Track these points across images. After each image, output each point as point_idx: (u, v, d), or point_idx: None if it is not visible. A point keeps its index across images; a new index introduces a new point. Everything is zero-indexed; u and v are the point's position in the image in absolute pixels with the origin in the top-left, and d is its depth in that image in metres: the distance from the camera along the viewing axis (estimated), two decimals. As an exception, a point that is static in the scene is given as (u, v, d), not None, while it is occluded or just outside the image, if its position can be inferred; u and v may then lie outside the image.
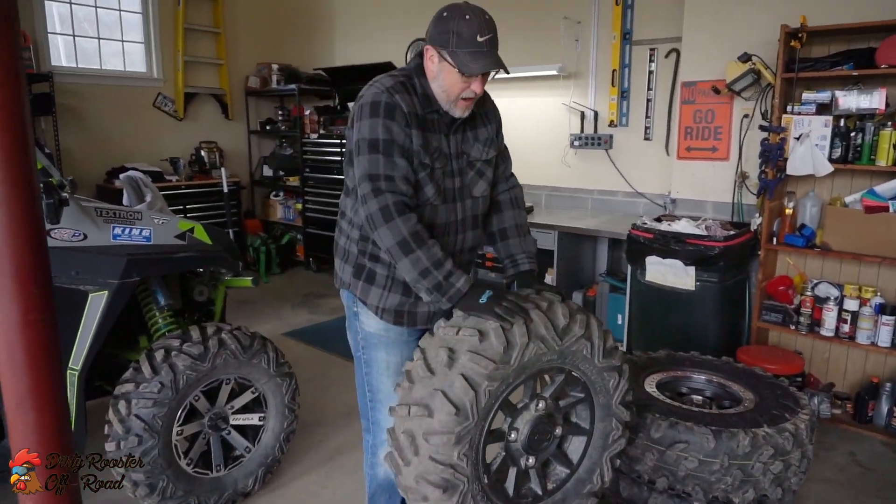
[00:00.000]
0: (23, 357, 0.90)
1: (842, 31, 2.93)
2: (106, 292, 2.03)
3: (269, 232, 6.38)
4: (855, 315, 3.00)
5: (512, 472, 1.66)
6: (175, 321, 2.52)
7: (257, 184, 6.65)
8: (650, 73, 4.17)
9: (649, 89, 4.19)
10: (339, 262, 1.81)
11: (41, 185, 1.90)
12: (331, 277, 5.83)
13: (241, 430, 2.43)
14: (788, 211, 3.18)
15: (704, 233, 3.21)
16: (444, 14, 1.59)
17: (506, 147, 1.94)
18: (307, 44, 6.54)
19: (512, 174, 1.95)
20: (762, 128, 3.10)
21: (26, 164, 0.92)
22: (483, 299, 1.51)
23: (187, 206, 5.57)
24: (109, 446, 2.13)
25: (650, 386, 2.31)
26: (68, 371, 2.03)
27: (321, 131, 5.86)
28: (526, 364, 1.53)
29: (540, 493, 1.70)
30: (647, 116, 4.22)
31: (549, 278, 4.09)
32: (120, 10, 5.57)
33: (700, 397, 2.38)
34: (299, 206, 6.18)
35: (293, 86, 5.93)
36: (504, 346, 1.48)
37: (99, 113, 5.38)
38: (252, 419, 2.44)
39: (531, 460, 1.66)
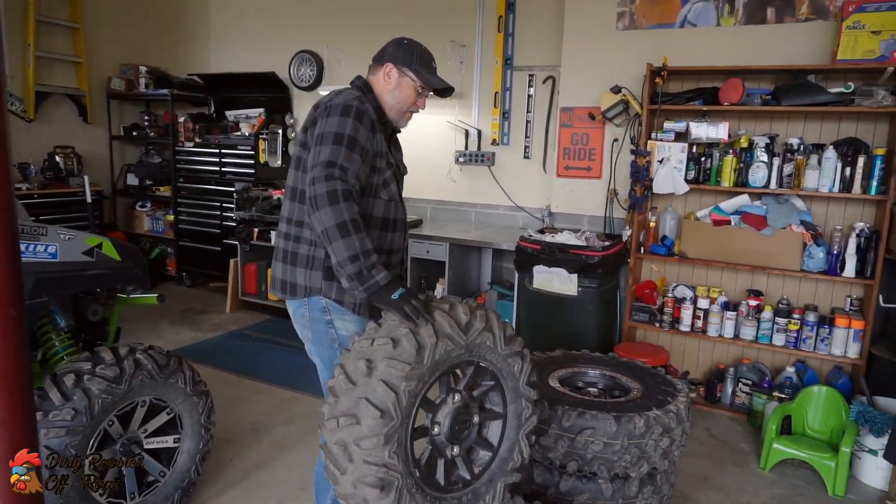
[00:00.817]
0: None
1: (693, 72, 3.47)
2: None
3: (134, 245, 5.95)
4: (706, 312, 3.53)
5: (440, 464, 1.79)
6: (73, 343, 2.36)
7: (120, 193, 6.18)
8: (529, 96, 4.56)
9: (528, 112, 4.58)
10: (301, 272, 1.84)
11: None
12: (208, 293, 5.62)
13: (154, 453, 2.33)
14: (652, 224, 3.67)
15: (585, 244, 3.59)
16: (406, 42, 1.94)
17: None
18: (180, 47, 6.23)
19: None
20: (632, 151, 3.56)
21: (6, 190, 0.90)
22: (395, 296, 1.61)
23: (41, 217, 5.04)
24: (13, 481, 1.96)
25: (554, 382, 2.58)
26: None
27: (196, 139, 5.61)
28: (438, 361, 1.67)
29: (468, 477, 1.85)
30: (526, 136, 4.60)
31: (441, 288, 4.30)
32: (-44, -3, 4.95)
33: (595, 389, 2.69)
34: (170, 217, 5.85)
35: (165, 91, 5.63)
36: (416, 349, 1.61)
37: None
38: (167, 441, 2.36)
39: (455, 450, 1.80)
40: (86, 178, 5.07)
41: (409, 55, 1.90)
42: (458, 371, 1.82)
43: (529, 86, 4.54)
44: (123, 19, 6.04)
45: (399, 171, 1.99)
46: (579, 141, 4.00)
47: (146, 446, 2.29)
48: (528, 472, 2.40)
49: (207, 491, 2.58)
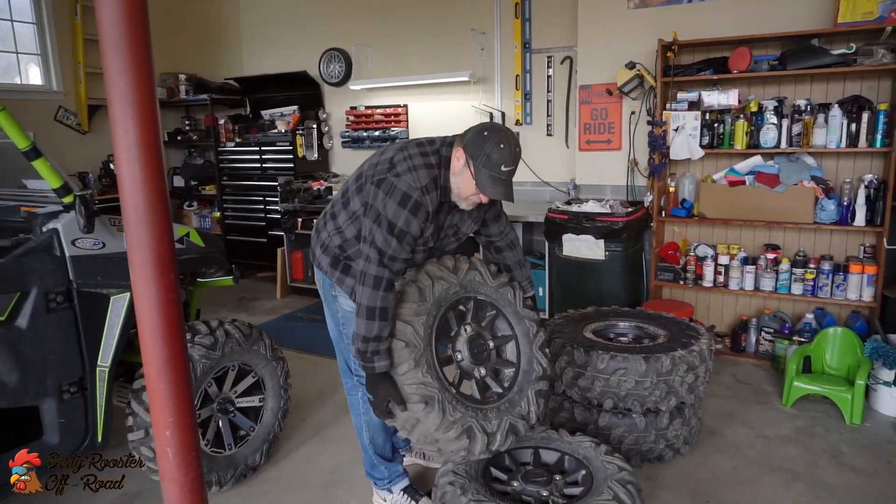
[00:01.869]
0: (163, 331, 1.11)
1: (703, 44, 3.69)
2: (127, 294, 2.25)
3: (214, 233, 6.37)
4: (727, 268, 3.78)
5: (472, 384, 2.14)
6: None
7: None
8: (548, 77, 4.81)
9: (548, 91, 4.83)
10: (319, 249, 2.15)
11: (77, 198, 2.09)
12: (257, 283, 6.02)
13: (244, 411, 2.70)
14: (672, 189, 3.92)
15: (609, 211, 3.86)
16: (486, 133, 1.87)
17: (502, 208, 2.31)
18: (214, 53, 6.59)
19: (508, 224, 2.36)
20: (649, 122, 3.81)
21: (160, 176, 1.14)
22: (375, 389, 1.90)
23: (103, 221, 5.49)
24: (135, 435, 2.34)
25: (588, 333, 2.88)
26: (97, 369, 2.23)
27: (237, 139, 5.99)
28: (440, 298, 2.06)
29: (500, 390, 2.18)
30: (548, 115, 4.86)
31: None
32: (12, 21, 5.37)
33: (626, 338, 2.99)
34: (217, 214, 6.25)
35: (204, 95, 6.00)
36: (418, 292, 2.01)
37: None
38: (253, 401, 2.72)
39: (482, 370, 2.14)
40: (141, 181, 5.50)
41: (480, 150, 1.84)
42: (462, 307, 2.18)
43: (548, 67, 4.79)
44: (161, 32, 6.41)
45: (438, 235, 2.08)
46: (599, 116, 4.25)
47: (237, 405, 2.66)
48: (568, 412, 2.71)
49: (287, 445, 2.95)
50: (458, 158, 1.91)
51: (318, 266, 2.17)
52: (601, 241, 3.81)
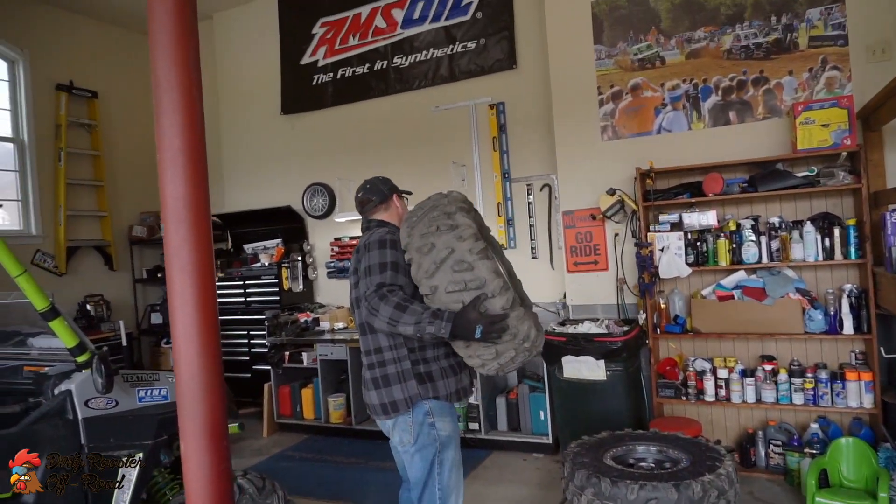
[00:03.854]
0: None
1: (676, 171, 3.98)
2: (140, 454, 2.12)
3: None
4: (727, 381, 3.83)
5: None
6: (174, 478, 2.56)
7: (144, 332, 6.43)
8: (529, 203, 5.05)
9: (530, 217, 5.05)
10: (398, 388, 2.22)
11: (95, 357, 2.02)
12: (240, 419, 5.73)
13: (254, 575, 2.48)
14: (663, 306, 4.04)
15: (606, 331, 3.92)
16: (384, 178, 2.56)
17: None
18: (194, 191, 6.71)
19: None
20: (636, 244, 3.99)
21: (208, 247, 1.11)
22: (477, 334, 2.04)
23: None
24: None
25: (609, 461, 2.82)
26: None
27: (220, 274, 5.96)
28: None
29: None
30: (531, 238, 5.04)
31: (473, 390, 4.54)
32: (16, 171, 5.43)
33: (646, 463, 2.93)
34: (197, 350, 6.05)
35: (187, 233, 6.03)
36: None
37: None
38: (265, 562, 2.51)
39: None
40: (121, 322, 5.32)
41: (391, 185, 2.54)
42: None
43: (528, 194, 5.05)
44: (143, 172, 6.58)
45: None
46: (583, 239, 4.43)
47: (249, 569, 2.44)
48: (602, 550, 2.58)
49: None
50: (400, 200, 2.58)
51: (404, 408, 2.21)
52: (602, 362, 3.83)
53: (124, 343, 5.19)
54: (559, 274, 4.82)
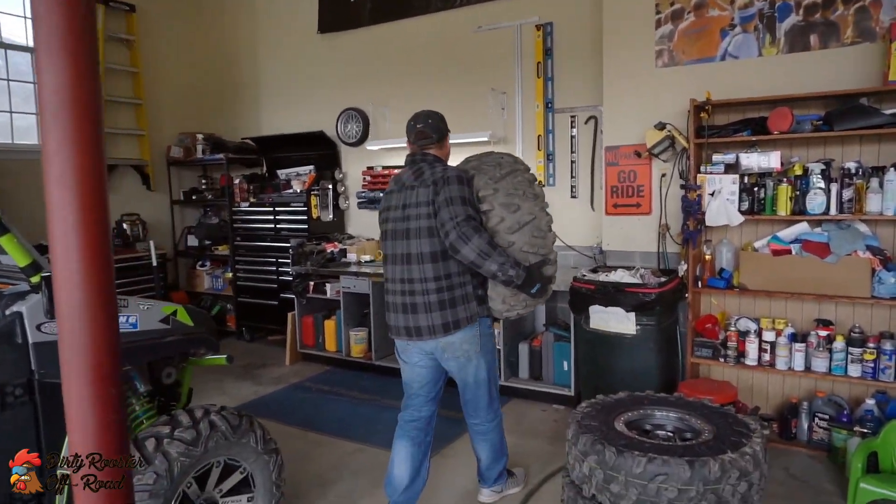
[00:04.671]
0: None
1: (738, 104, 3.45)
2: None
3: (196, 303, 6.19)
4: (773, 345, 3.42)
5: None
6: (151, 407, 2.46)
7: (181, 254, 6.48)
8: (572, 137, 4.60)
9: (572, 152, 4.62)
10: (462, 308, 2.52)
11: (43, 280, 1.87)
12: (267, 347, 5.77)
13: (229, 512, 2.39)
14: (708, 257, 3.61)
15: (640, 281, 3.55)
16: (441, 116, 2.70)
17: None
18: (232, 114, 6.57)
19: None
20: (683, 186, 3.54)
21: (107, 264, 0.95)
22: (533, 290, 2.52)
23: (111, 283, 5.33)
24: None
25: (620, 426, 2.53)
26: (58, 471, 1.95)
27: (251, 199, 5.86)
28: None
29: None
30: (572, 176, 4.63)
31: (497, 331, 4.30)
32: (34, 83, 5.38)
33: (664, 432, 2.63)
34: (229, 275, 6.07)
35: (220, 155, 5.92)
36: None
37: (14, 190, 5.10)
38: (241, 501, 2.41)
39: None
40: (151, 242, 5.31)
41: (445, 122, 2.72)
42: None
43: (572, 127, 4.59)
44: (181, 92, 6.45)
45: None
46: (626, 178, 4.00)
47: (222, 506, 2.35)
48: (601, 522, 2.34)
49: (280, 549, 2.61)
50: (449, 140, 2.79)
51: (469, 321, 2.54)
52: (632, 315, 3.48)
53: (154, 263, 5.22)
54: (599, 216, 4.42)
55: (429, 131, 2.60)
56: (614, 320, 3.55)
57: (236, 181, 5.92)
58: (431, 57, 5.20)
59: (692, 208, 3.46)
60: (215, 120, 6.58)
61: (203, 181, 6.43)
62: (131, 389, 2.39)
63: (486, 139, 4.72)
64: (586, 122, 4.53)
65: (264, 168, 6.28)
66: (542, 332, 4.39)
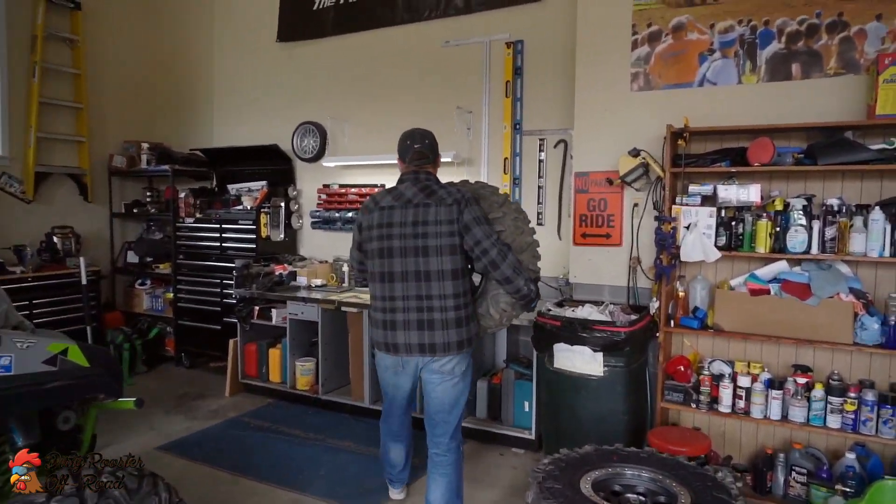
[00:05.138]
0: None
1: (716, 132, 3.25)
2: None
3: (133, 325, 5.72)
4: (748, 391, 3.17)
5: None
6: (30, 466, 2.06)
7: (119, 271, 5.99)
8: (540, 161, 4.36)
9: (540, 177, 4.38)
10: (469, 328, 2.59)
11: None
12: (208, 375, 5.33)
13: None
14: (681, 294, 3.37)
15: (609, 318, 3.29)
16: (433, 136, 2.78)
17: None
18: (182, 122, 6.18)
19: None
20: (657, 218, 3.31)
21: None
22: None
23: (34, 301, 4.84)
24: None
25: (586, 487, 2.23)
26: None
27: (197, 215, 5.45)
28: None
29: None
30: (538, 202, 4.38)
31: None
32: (-45, 82, 4.92)
33: (635, 495, 2.33)
34: (170, 295, 5.62)
35: (166, 166, 5.50)
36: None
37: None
38: (138, 577, 2.01)
39: None
40: (81, 259, 4.90)
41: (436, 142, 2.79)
42: None
43: (540, 150, 4.36)
44: (128, 98, 6.02)
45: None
46: (596, 207, 3.75)
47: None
48: None
49: None
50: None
51: (462, 347, 2.57)
52: (600, 355, 3.21)
53: (83, 281, 4.78)
54: (566, 245, 4.17)
55: (426, 151, 2.66)
56: (580, 360, 3.27)
57: (182, 195, 5.51)
58: (396, 71, 4.93)
59: (666, 242, 3.22)
60: (164, 128, 6.16)
61: (148, 194, 5.99)
62: (9, 443, 1.99)
63: (449, 159, 4.45)
64: (556, 146, 4.30)
65: (214, 182, 5.89)
66: (502, 369, 4.08)
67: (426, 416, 2.73)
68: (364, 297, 4.37)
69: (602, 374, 3.22)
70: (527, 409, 3.76)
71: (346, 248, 5.33)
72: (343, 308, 4.21)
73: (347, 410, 4.31)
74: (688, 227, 3.23)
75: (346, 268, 4.93)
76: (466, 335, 2.56)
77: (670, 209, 3.27)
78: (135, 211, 5.83)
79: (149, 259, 5.83)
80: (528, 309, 2.85)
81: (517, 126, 4.43)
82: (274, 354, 4.69)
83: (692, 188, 3.25)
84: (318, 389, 4.44)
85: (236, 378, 4.81)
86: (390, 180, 5.12)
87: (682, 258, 3.20)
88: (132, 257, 5.92)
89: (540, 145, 4.36)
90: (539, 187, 4.38)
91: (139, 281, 5.93)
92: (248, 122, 5.76)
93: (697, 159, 3.24)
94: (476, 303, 2.73)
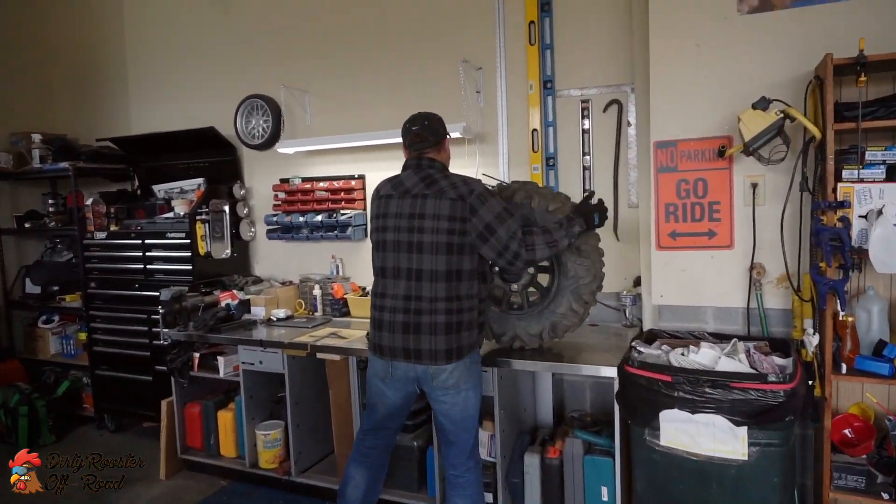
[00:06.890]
0: None
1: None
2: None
3: (35, 379, 4.31)
4: (975, 471, 2.02)
5: None
6: None
7: (15, 306, 4.56)
8: (584, 133, 3.14)
9: (584, 154, 3.15)
10: (466, 335, 2.23)
11: None
12: (138, 440, 3.97)
13: None
14: (850, 319, 2.18)
15: (749, 369, 2.08)
16: (439, 117, 2.39)
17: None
18: (88, 107, 4.75)
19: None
20: (818, 205, 2.10)
21: None
22: (596, 220, 2.42)
23: None
24: None
25: None
26: None
27: (112, 227, 4.06)
28: None
29: None
30: (583, 190, 3.15)
31: (486, 434, 2.73)
32: None
33: None
34: (83, 335, 4.23)
35: (66, 164, 4.09)
36: None
37: None
38: None
39: None
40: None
41: (443, 124, 2.40)
42: None
43: (584, 117, 3.13)
44: (14, 79, 4.58)
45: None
46: (691, 192, 2.54)
47: None
48: None
49: None
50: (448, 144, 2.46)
51: (470, 350, 2.26)
52: (742, 429, 2.00)
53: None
54: (629, 249, 2.98)
55: (425, 133, 2.32)
56: (708, 437, 2.06)
57: (89, 201, 4.10)
58: (377, 17, 3.63)
59: (838, 240, 2.02)
60: (63, 115, 4.75)
61: (50, 202, 4.57)
62: None
63: (458, 135, 3.18)
64: (605, 110, 3.08)
65: (136, 183, 4.49)
66: (562, 439, 2.80)
67: (440, 438, 2.41)
68: (348, 332, 3.11)
69: (746, 458, 2.02)
70: (606, 498, 2.53)
71: (316, 264, 4.07)
72: (319, 355, 2.92)
73: (331, 497, 3.00)
74: (866, 217, 2.04)
75: (317, 290, 3.64)
76: (457, 343, 2.21)
77: (835, 188, 2.07)
78: (27, 225, 4.40)
79: (54, 288, 4.43)
80: (600, 227, 2.48)
81: (548, 85, 3.18)
82: (225, 419, 3.36)
83: (870, 153, 2.06)
84: (289, 468, 3.13)
85: (174, 453, 3.47)
86: (372, 171, 3.87)
87: (876, 267, 2.00)
88: (31, 286, 4.50)
89: (583, 111, 3.12)
90: (584, 168, 3.15)
91: (43, 317, 4.51)
92: (175, 100, 4.36)
93: (877, 106, 2.04)
94: (555, 302, 2.52)
